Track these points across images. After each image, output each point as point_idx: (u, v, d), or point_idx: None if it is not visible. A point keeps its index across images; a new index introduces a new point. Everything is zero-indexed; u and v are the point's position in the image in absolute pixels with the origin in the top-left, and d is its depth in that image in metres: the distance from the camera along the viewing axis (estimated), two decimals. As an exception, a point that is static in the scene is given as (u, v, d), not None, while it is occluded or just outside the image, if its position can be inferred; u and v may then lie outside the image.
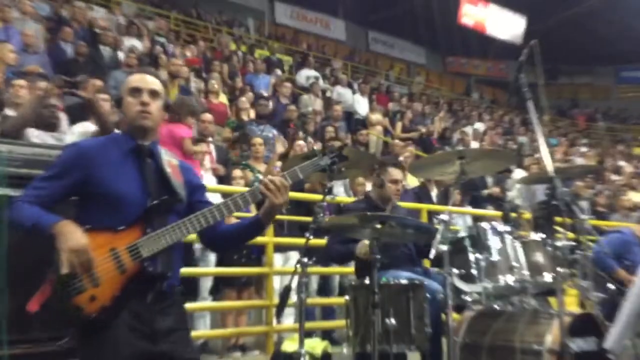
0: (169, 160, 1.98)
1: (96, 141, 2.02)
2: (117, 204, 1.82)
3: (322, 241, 3.77)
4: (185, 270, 3.92)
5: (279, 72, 10.20)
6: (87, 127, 4.15)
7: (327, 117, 8.42)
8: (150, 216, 1.82)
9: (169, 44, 9.12)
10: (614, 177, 9.90)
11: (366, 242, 2.97)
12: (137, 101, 1.91)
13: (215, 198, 4.09)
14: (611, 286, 3.59)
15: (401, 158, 6.57)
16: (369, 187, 5.06)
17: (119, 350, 1.73)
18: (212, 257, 4.24)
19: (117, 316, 1.74)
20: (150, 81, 1.95)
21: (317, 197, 4.08)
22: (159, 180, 1.90)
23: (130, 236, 1.79)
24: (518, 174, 7.96)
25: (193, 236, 1.98)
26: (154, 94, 1.94)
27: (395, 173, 3.36)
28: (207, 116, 5.57)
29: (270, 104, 7.22)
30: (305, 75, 10.56)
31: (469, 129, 10.81)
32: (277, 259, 4.40)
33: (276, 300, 3.26)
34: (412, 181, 6.43)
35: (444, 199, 5.93)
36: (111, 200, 1.82)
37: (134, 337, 1.75)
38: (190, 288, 4.02)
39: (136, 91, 1.92)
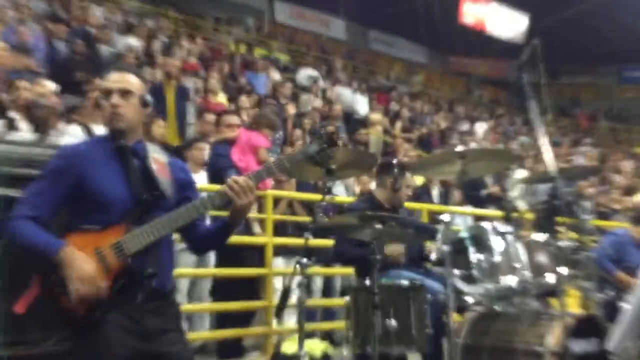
0: (157, 157, 1.96)
1: (79, 144, 2.01)
2: (102, 204, 1.81)
3: (322, 241, 3.76)
4: (186, 271, 3.92)
5: (277, 74, 10.15)
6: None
7: (327, 117, 8.39)
8: (135, 214, 1.81)
9: (168, 43, 9.08)
10: (615, 177, 9.87)
11: (398, 248, 3.03)
12: (108, 103, 1.88)
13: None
14: (609, 289, 3.59)
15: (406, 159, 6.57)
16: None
17: (111, 350, 1.72)
18: (212, 258, 4.22)
19: (106, 314, 1.73)
20: (120, 80, 1.90)
21: (317, 197, 4.05)
22: (145, 179, 1.88)
23: (115, 234, 1.78)
24: (519, 173, 7.93)
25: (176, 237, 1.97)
26: (125, 93, 1.89)
27: (410, 178, 3.41)
28: (210, 116, 5.55)
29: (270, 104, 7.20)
30: (305, 74, 10.53)
31: (469, 129, 10.79)
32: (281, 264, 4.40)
33: (276, 301, 3.24)
34: (419, 181, 6.44)
35: (444, 198, 5.92)
36: (97, 201, 1.81)
37: (126, 336, 1.74)
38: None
39: (107, 93, 1.89)
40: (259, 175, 1.88)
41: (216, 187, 4.03)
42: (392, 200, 3.36)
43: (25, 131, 3.94)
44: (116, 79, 1.92)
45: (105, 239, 1.77)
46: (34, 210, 1.79)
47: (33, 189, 1.84)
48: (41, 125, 3.85)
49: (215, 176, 4.35)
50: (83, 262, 1.71)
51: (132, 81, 1.93)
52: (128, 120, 1.90)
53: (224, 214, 2.03)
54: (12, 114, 4.10)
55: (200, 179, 4.27)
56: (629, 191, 8.02)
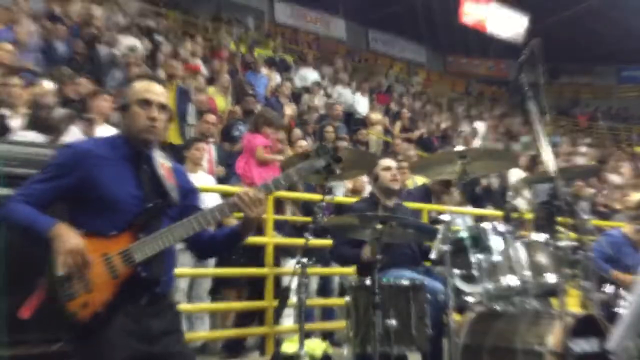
0: (163, 162, 1.97)
1: (92, 143, 2.00)
2: (112, 208, 1.81)
3: (322, 241, 3.76)
4: (187, 270, 3.92)
5: (277, 76, 10.13)
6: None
7: (327, 117, 8.39)
8: (142, 221, 1.81)
9: (168, 44, 9.08)
10: (614, 177, 9.87)
11: (367, 248, 2.96)
12: (146, 114, 1.88)
13: (215, 199, 4.09)
14: (609, 289, 3.59)
15: (400, 157, 6.57)
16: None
17: (114, 352, 1.72)
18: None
19: (111, 320, 1.74)
20: (160, 93, 1.93)
21: (317, 197, 4.06)
22: (154, 185, 1.89)
23: (123, 241, 1.79)
24: (516, 173, 7.93)
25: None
26: (162, 107, 1.92)
27: (384, 161, 3.39)
28: (210, 117, 5.55)
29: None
30: (305, 74, 10.53)
31: (469, 129, 10.78)
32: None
33: (276, 301, 3.24)
34: (420, 181, 6.44)
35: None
36: (106, 205, 1.81)
37: (129, 338, 1.75)
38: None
39: (146, 103, 1.89)
40: (268, 188, 1.89)
41: (217, 187, 4.09)
42: (381, 190, 3.36)
43: (18, 129, 3.92)
44: (154, 90, 1.92)
45: (113, 244, 1.78)
46: (30, 197, 1.80)
47: (34, 179, 1.85)
48: (51, 127, 3.81)
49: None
50: (72, 236, 1.72)
51: (166, 95, 1.95)
52: (159, 134, 1.93)
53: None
54: (4, 111, 4.05)
55: (198, 178, 4.27)
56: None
